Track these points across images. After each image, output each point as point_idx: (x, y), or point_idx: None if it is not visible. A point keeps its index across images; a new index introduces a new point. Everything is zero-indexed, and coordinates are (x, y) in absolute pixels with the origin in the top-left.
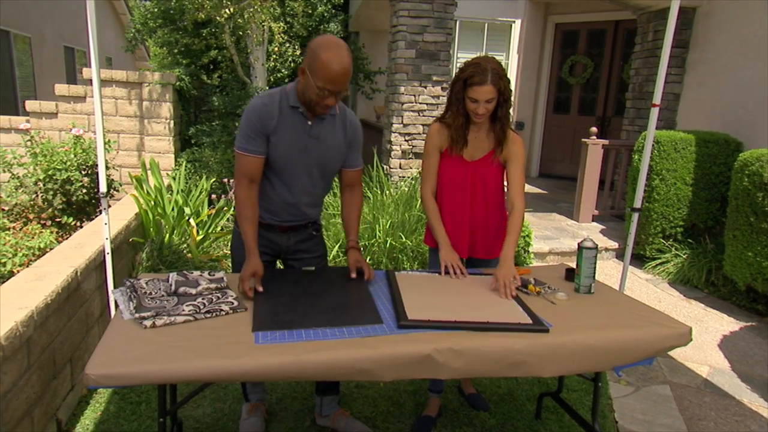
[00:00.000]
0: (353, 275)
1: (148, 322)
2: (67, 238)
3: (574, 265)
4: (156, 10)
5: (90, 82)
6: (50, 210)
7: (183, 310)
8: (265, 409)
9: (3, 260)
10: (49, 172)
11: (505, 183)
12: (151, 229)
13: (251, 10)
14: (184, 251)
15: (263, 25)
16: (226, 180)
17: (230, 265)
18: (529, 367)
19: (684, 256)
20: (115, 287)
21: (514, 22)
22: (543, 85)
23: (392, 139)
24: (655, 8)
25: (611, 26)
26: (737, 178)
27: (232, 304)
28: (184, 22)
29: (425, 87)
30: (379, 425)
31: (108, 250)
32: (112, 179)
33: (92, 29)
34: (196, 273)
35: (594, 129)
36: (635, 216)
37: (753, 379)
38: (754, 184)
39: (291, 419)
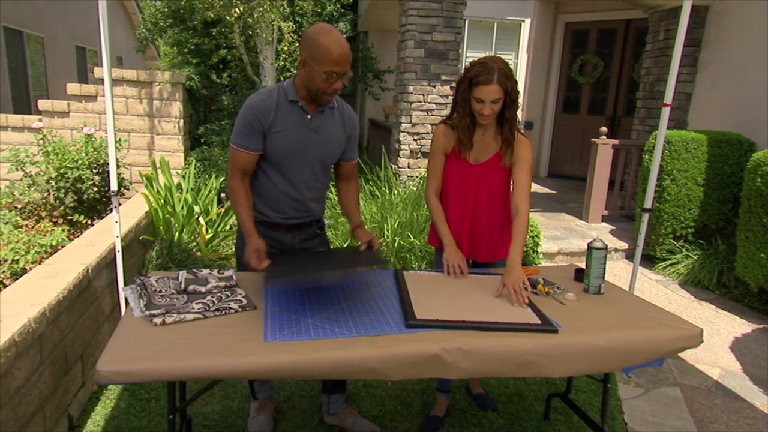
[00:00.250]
0: (363, 247)
1: (158, 320)
2: (78, 236)
3: (583, 265)
4: (166, 9)
5: (101, 81)
6: (62, 208)
7: (192, 308)
8: (273, 408)
9: (16, 257)
10: (61, 171)
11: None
12: (161, 228)
13: (261, 9)
14: (194, 249)
15: (272, 25)
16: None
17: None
18: (538, 368)
19: (695, 257)
20: (125, 285)
21: (523, 21)
22: (552, 84)
23: (401, 139)
24: (666, 7)
25: (622, 25)
26: (750, 178)
27: (241, 302)
28: (194, 22)
29: (434, 86)
30: (386, 424)
31: (118, 248)
32: (123, 178)
33: (104, 29)
34: (206, 271)
35: (604, 129)
36: (645, 216)
37: (765, 382)
38: None
39: (299, 417)
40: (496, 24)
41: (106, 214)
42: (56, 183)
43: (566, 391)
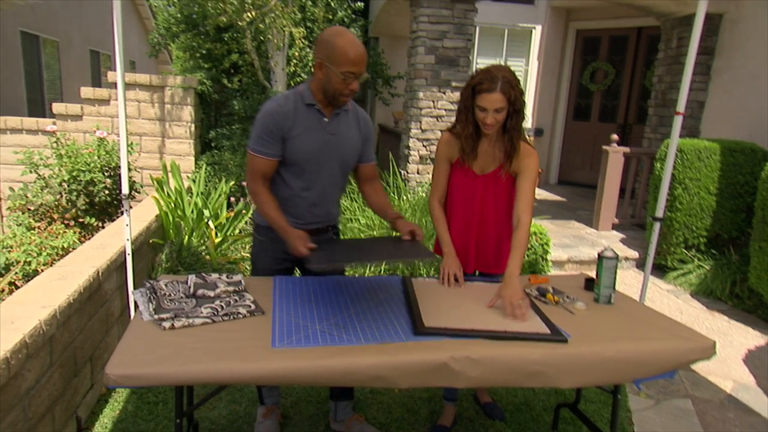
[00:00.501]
0: (406, 237)
1: (166, 324)
2: (89, 239)
3: (593, 274)
4: (179, 15)
5: (114, 85)
6: (74, 210)
7: (201, 312)
8: (280, 413)
9: (29, 259)
10: (74, 173)
11: None
12: (171, 231)
13: (272, 15)
14: (203, 253)
15: (284, 30)
16: (245, 183)
17: (247, 267)
18: (547, 378)
19: (707, 267)
20: (135, 288)
21: (534, 28)
22: (563, 91)
23: (410, 145)
24: (679, 15)
25: (634, 33)
26: (764, 188)
27: (250, 307)
28: (206, 27)
29: (444, 93)
30: None
31: (129, 251)
32: (134, 181)
33: (118, 34)
34: (215, 275)
35: (615, 136)
36: (657, 225)
37: None
38: None
39: (305, 423)
40: (506, 31)
41: (117, 217)
42: (69, 185)
43: (575, 402)
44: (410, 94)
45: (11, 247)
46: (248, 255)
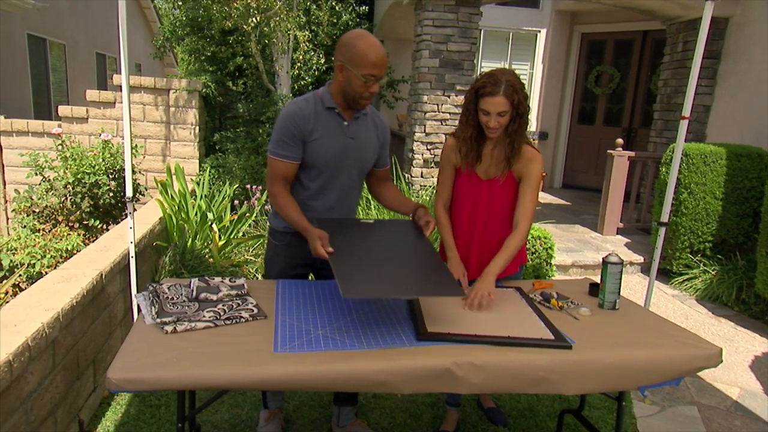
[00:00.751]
0: (421, 222)
1: (169, 328)
2: (93, 241)
3: (597, 279)
4: (184, 18)
5: (120, 88)
6: (78, 213)
7: (203, 316)
8: (282, 417)
9: (33, 261)
10: (78, 176)
11: None
12: (175, 234)
13: (277, 19)
14: (206, 256)
15: (288, 34)
16: (249, 186)
17: (251, 270)
18: (551, 385)
19: (713, 272)
20: (138, 290)
21: (539, 31)
22: (568, 95)
23: (414, 148)
24: (685, 18)
25: (639, 36)
26: None
27: (252, 311)
28: (211, 30)
29: (448, 96)
30: None
31: (132, 253)
32: (138, 183)
33: (123, 37)
34: (218, 279)
35: (620, 140)
36: (662, 230)
37: None
38: None
39: (307, 428)
40: (511, 34)
41: (122, 219)
42: (73, 188)
43: (579, 408)
44: (414, 97)
45: (15, 249)
46: (252, 258)
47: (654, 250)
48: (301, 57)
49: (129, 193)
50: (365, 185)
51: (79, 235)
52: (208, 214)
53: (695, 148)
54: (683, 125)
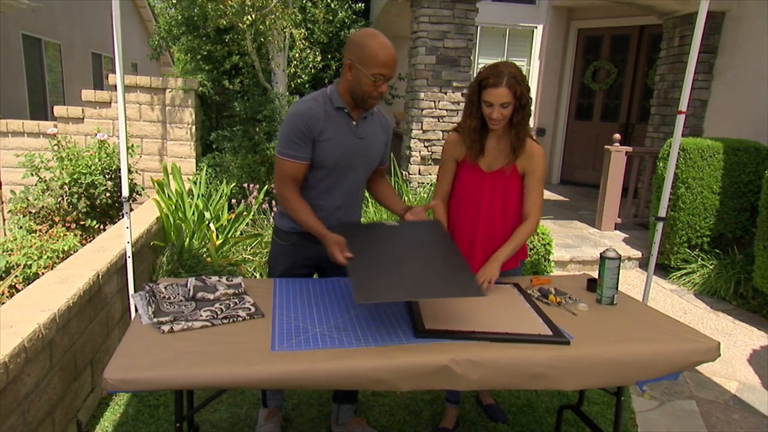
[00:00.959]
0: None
1: (165, 327)
2: (90, 241)
3: (595, 274)
4: (180, 17)
5: (115, 87)
6: (75, 213)
7: (200, 316)
8: (281, 416)
9: (29, 262)
10: (75, 176)
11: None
12: (172, 233)
13: (273, 16)
14: (204, 255)
15: (284, 32)
16: (246, 185)
17: (248, 269)
18: (549, 380)
19: (711, 267)
20: (135, 290)
21: (536, 27)
22: (565, 91)
23: (411, 145)
24: (681, 13)
25: (636, 31)
26: None
27: (249, 310)
28: (207, 29)
29: (445, 93)
30: None
31: (129, 253)
32: (135, 183)
33: (117, 36)
34: (215, 278)
35: (617, 135)
36: (660, 225)
37: None
38: None
39: (306, 426)
40: (508, 30)
41: (119, 219)
42: (70, 188)
43: (578, 403)
44: (411, 94)
45: (12, 250)
46: (249, 257)
47: (652, 245)
48: (297, 55)
49: (125, 193)
50: None
51: (75, 235)
52: (205, 213)
53: (692, 142)
54: (680, 120)
